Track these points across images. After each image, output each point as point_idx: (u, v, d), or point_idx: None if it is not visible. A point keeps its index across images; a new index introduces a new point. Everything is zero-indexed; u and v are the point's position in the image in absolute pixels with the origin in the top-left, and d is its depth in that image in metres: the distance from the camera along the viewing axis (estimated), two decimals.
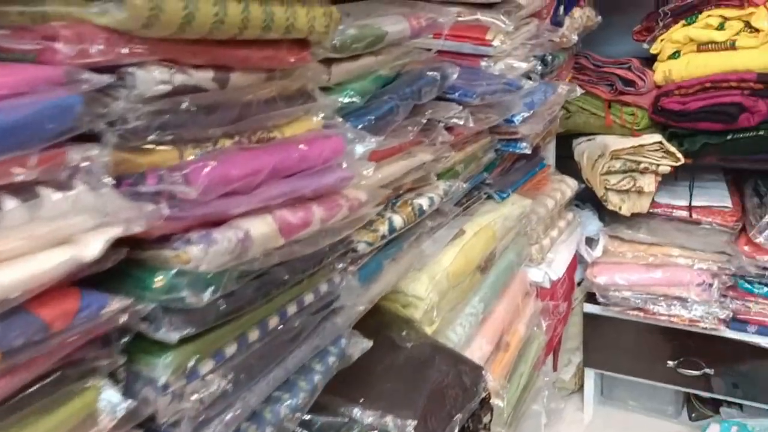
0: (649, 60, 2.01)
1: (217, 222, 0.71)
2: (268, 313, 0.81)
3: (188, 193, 0.64)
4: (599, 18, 1.96)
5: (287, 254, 0.78)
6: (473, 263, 1.47)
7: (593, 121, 2.10)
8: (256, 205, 0.74)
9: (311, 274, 0.88)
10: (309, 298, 0.88)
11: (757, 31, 1.82)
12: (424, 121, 1.12)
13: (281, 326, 0.83)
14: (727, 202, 2.06)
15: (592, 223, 2.20)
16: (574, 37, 1.78)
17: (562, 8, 1.69)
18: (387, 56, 1.13)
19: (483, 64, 1.49)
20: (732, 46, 1.85)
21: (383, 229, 1.04)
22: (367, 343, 0.99)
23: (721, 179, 2.19)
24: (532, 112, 1.50)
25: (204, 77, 0.72)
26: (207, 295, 0.65)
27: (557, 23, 1.70)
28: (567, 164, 2.22)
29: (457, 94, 1.24)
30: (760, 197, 2.04)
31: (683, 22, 1.91)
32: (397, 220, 1.08)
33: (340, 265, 0.95)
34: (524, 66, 1.52)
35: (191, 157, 0.70)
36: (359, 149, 0.91)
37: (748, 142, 1.89)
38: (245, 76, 0.77)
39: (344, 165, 0.88)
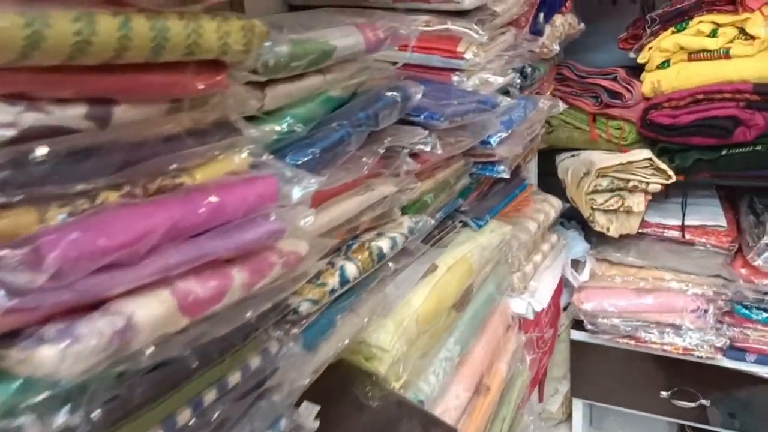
0: (637, 69, 1.85)
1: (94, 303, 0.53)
2: (175, 407, 0.64)
3: (31, 281, 0.46)
4: (582, 25, 1.81)
5: (195, 338, 0.61)
6: (447, 302, 1.30)
7: (577, 135, 1.94)
8: (147, 278, 0.56)
9: (236, 351, 0.70)
10: (234, 379, 0.71)
11: (753, 38, 1.66)
12: (382, 150, 0.95)
13: (194, 420, 0.65)
14: (722, 221, 1.90)
15: (577, 245, 2.03)
16: (556, 47, 1.62)
17: (542, 16, 1.53)
18: (338, 74, 0.95)
19: (455, 78, 1.32)
20: (726, 55, 1.70)
21: (333, 282, 0.87)
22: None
23: (714, 195, 2.04)
24: (510, 131, 1.34)
25: (73, 114, 0.54)
26: (60, 419, 0.47)
27: (537, 32, 1.54)
28: (550, 182, 2.05)
29: (422, 116, 1.07)
30: (756, 215, 1.88)
31: (672, 29, 1.75)
32: (351, 270, 0.90)
33: (278, 333, 0.77)
34: (501, 80, 1.36)
35: (56, 221, 0.53)
36: (296, 192, 0.74)
37: (744, 158, 1.74)
38: (136, 109, 0.59)
39: (276, 215, 0.71)
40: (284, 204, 0.74)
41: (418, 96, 1.01)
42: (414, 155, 1.08)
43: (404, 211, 1.11)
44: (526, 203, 1.82)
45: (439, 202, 1.25)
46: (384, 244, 0.98)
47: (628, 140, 1.86)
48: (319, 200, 0.87)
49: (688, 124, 1.74)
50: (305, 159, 0.81)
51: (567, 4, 1.71)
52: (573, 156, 1.95)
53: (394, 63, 1.34)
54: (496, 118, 1.29)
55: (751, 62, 1.67)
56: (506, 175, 1.35)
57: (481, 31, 1.28)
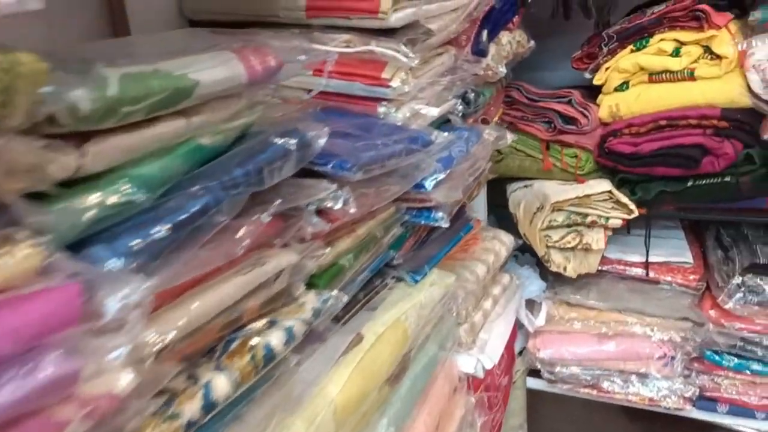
0: (594, 90, 1.65)
1: None
2: None
3: None
4: (532, 43, 1.60)
5: None
6: (377, 380, 1.06)
7: (529, 164, 1.73)
8: None
9: None
10: None
11: (719, 57, 1.47)
12: (269, 217, 0.71)
13: None
14: (687, 257, 1.71)
15: (533, 283, 1.82)
16: (502, 69, 1.40)
17: (485, 34, 1.31)
18: (209, 116, 0.71)
19: (381, 110, 1.08)
20: (690, 76, 1.51)
21: (192, 409, 0.61)
22: None
23: (679, 227, 1.85)
24: (448, 171, 1.11)
25: None
26: None
27: (480, 52, 1.31)
28: (501, 214, 1.84)
29: (330, 165, 0.83)
30: (724, 250, 1.70)
31: (631, 47, 1.55)
32: (221, 386, 0.65)
33: None
34: (436, 111, 1.13)
35: None
36: (113, 305, 0.49)
37: (712, 190, 1.55)
38: None
39: (68, 347, 0.46)
40: (95, 322, 0.49)
41: (322, 141, 0.77)
42: (323, 211, 0.84)
43: (313, 283, 0.86)
44: (474, 242, 1.59)
45: (363, 261, 1.01)
46: (275, 338, 0.73)
47: (584, 169, 1.65)
48: (172, 295, 0.62)
49: (650, 153, 1.54)
50: (144, 243, 0.56)
51: (514, 21, 1.49)
52: (525, 187, 1.74)
53: (309, 90, 1.10)
54: (431, 157, 1.06)
55: (718, 84, 1.48)
56: (445, 224, 1.12)
57: (410, 54, 1.04)
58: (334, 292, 0.84)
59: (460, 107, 1.32)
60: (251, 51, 0.75)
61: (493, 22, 1.35)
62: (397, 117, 1.07)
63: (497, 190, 1.82)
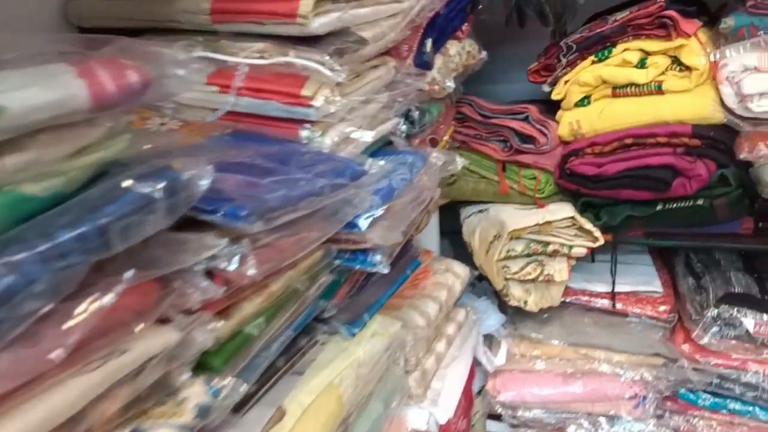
0: (553, 105, 1.48)
1: None
2: None
3: None
4: (484, 54, 1.42)
5: None
6: None
7: (484, 186, 1.55)
8: None
9: None
10: None
11: (689, 69, 1.32)
12: (114, 297, 0.50)
13: None
14: (656, 285, 1.56)
15: (491, 317, 1.64)
16: (450, 84, 1.21)
17: (429, 43, 1.13)
18: (39, 153, 0.50)
19: (303, 134, 0.89)
20: (658, 90, 1.35)
21: None
22: None
23: (645, 251, 1.70)
24: (388, 205, 0.91)
25: None
26: None
27: (424, 64, 1.13)
28: (455, 240, 1.66)
29: (220, 213, 0.62)
30: (696, 277, 1.55)
31: (592, 58, 1.39)
32: None
33: None
34: (370, 136, 0.94)
35: None
36: None
37: (684, 214, 1.39)
38: None
39: None
40: None
41: (204, 182, 0.57)
42: (214, 272, 0.64)
43: (207, 363, 0.66)
44: (424, 276, 1.40)
45: (281, 323, 0.80)
46: None
47: (544, 192, 1.48)
48: None
49: (616, 175, 1.38)
50: None
51: (463, 29, 1.32)
52: (480, 212, 1.56)
53: (214, 110, 0.90)
54: (366, 190, 0.87)
55: (688, 99, 1.33)
56: (384, 269, 0.92)
57: (337, 67, 0.85)
58: (228, 381, 0.63)
59: (404, 127, 1.13)
60: (101, 63, 0.54)
61: (438, 30, 1.17)
62: (323, 142, 0.88)
63: (450, 215, 1.64)
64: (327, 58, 0.86)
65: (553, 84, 1.45)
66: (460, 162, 1.13)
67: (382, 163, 0.89)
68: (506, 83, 1.78)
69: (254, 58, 0.89)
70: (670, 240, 1.48)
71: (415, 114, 1.14)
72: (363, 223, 0.87)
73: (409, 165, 1.05)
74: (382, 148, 1.12)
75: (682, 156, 1.33)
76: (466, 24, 1.33)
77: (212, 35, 0.94)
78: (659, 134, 1.35)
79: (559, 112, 1.46)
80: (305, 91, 0.86)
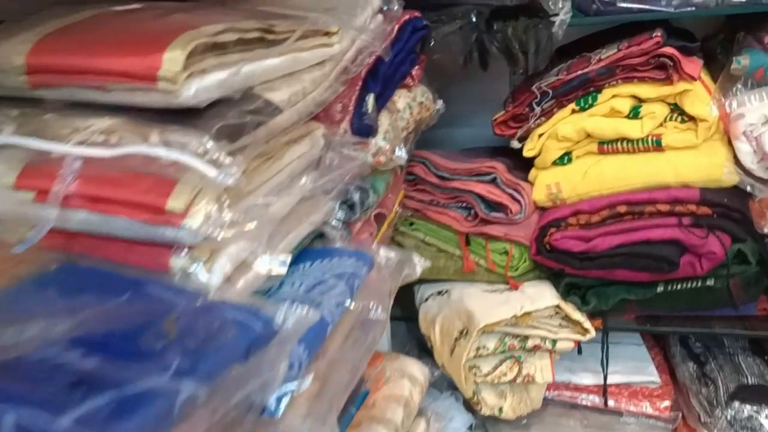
0: (528, 159, 1.18)
1: None
2: None
3: None
4: (440, 104, 1.11)
5: None
6: None
7: (444, 262, 1.23)
8: None
9: None
10: None
11: (693, 120, 1.05)
12: None
13: None
14: (652, 373, 1.27)
15: (455, 417, 1.31)
16: (401, 154, 0.89)
17: (371, 99, 0.81)
18: None
19: (175, 264, 0.55)
20: (657, 146, 1.07)
21: None
22: None
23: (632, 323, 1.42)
24: (310, 357, 0.58)
25: None
26: None
27: (364, 129, 0.81)
28: (412, 329, 1.34)
29: None
30: (697, 361, 1.27)
31: (573, 106, 1.10)
32: None
33: None
34: (282, 264, 0.60)
35: None
36: None
37: (691, 296, 1.12)
38: None
39: None
40: None
41: None
42: None
43: None
44: (374, 387, 1.08)
45: None
46: None
47: (518, 270, 1.18)
48: None
49: (608, 252, 1.09)
50: None
51: (414, 73, 1.00)
52: (440, 294, 1.24)
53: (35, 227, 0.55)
54: (281, 347, 0.53)
55: (694, 157, 1.05)
56: None
57: (224, 159, 0.52)
58: None
59: (340, 214, 0.81)
60: None
61: (382, 80, 0.85)
62: (208, 280, 0.54)
63: (404, 295, 1.31)
64: (210, 144, 0.53)
65: (525, 137, 1.15)
66: (420, 265, 0.80)
67: (299, 310, 0.55)
68: (465, 126, 1.48)
69: (93, 145, 0.54)
70: (671, 326, 1.20)
71: (355, 196, 0.82)
72: (278, 406, 0.54)
73: (347, 279, 0.72)
74: (312, 241, 0.79)
75: (690, 228, 1.05)
76: (416, 68, 1.01)
77: (33, 106, 0.59)
78: (659, 200, 1.07)
79: (533, 171, 1.17)
80: (173, 203, 0.52)
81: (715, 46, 1.23)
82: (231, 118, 0.57)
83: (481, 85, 1.45)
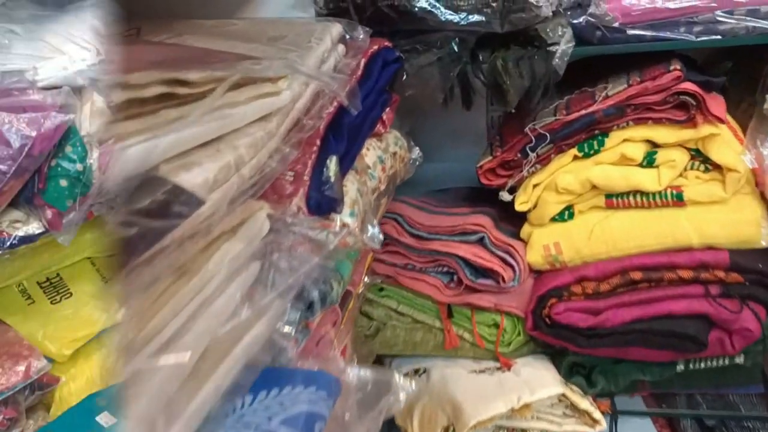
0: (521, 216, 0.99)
1: None
2: None
3: None
4: (418, 152, 0.92)
5: None
6: None
7: (422, 336, 1.02)
8: None
9: None
10: None
11: (719, 168, 0.87)
12: None
13: None
14: None
15: None
16: (375, 231, 0.68)
17: (333, 162, 0.59)
18: None
19: None
20: (677, 200, 0.89)
21: None
22: None
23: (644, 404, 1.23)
24: None
25: None
26: None
27: (326, 203, 0.59)
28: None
29: None
30: None
31: (575, 152, 0.91)
32: None
33: None
34: None
35: None
36: None
37: (714, 375, 0.94)
38: None
39: None
40: None
41: None
42: None
43: None
44: None
45: None
46: None
47: (511, 345, 0.98)
48: None
49: (622, 328, 0.90)
50: None
51: (385, 117, 0.80)
52: (418, 373, 1.03)
53: None
54: None
55: (721, 213, 0.88)
56: None
57: None
58: None
59: (294, 316, 0.60)
60: None
61: (347, 135, 0.64)
62: None
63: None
64: None
65: (516, 187, 0.96)
66: (404, 392, 0.59)
67: None
68: (437, 162, 1.27)
69: None
70: (688, 407, 1.02)
71: (314, 294, 0.61)
72: None
73: (302, 425, 0.50)
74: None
75: (719, 300, 0.87)
76: (388, 109, 0.81)
77: None
78: (681, 265, 0.88)
79: (527, 228, 0.97)
80: None
81: (719, 74, 1.06)
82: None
83: (454, 115, 1.26)
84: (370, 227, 0.66)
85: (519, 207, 0.95)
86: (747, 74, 1.02)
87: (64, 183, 0.50)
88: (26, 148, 0.47)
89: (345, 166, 0.64)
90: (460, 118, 1.25)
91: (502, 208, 1.00)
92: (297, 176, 0.57)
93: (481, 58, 0.88)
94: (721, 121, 0.84)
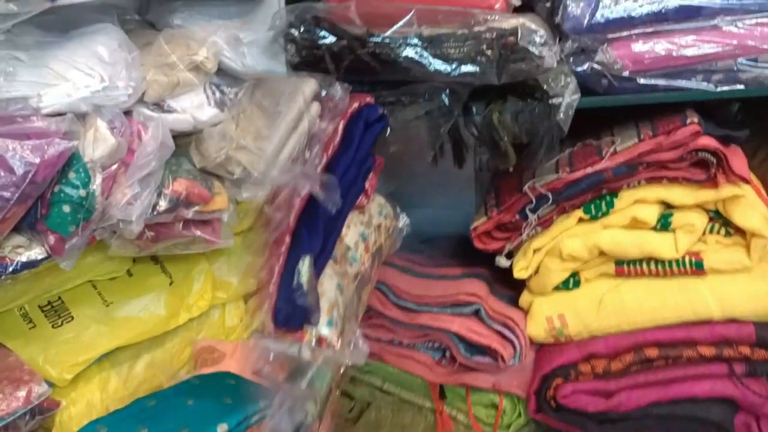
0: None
1: None
2: None
3: None
4: (405, 220, 0.81)
5: None
6: None
7: (411, 418, 0.91)
8: None
9: None
10: None
11: (741, 233, 0.78)
12: None
13: None
14: None
15: None
16: (360, 345, 0.56)
17: (305, 265, 0.48)
18: None
19: None
20: (696, 269, 0.79)
21: None
22: None
23: None
24: None
25: None
26: None
27: (297, 314, 0.48)
28: None
29: None
30: None
31: (580, 213, 0.81)
32: None
33: None
34: None
35: None
36: None
37: None
38: None
39: None
40: None
41: None
42: None
43: None
44: None
45: None
46: None
47: (511, 428, 0.87)
48: None
49: (637, 413, 0.80)
50: None
51: (368, 186, 0.69)
52: None
53: None
54: None
55: (744, 283, 0.78)
56: None
57: None
58: None
59: None
60: None
61: (323, 226, 0.53)
62: None
63: None
64: None
65: (514, 251, 0.85)
66: None
67: None
68: (420, 208, 1.16)
69: None
70: None
71: (283, 424, 0.49)
72: None
73: None
74: None
75: (746, 381, 0.77)
76: (371, 175, 0.70)
77: None
78: (701, 341, 0.79)
79: (527, 296, 0.87)
80: None
81: (725, 117, 0.97)
82: None
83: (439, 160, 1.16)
84: (353, 341, 0.55)
85: (518, 274, 0.84)
86: (757, 116, 0.92)
87: (66, 209, 0.51)
88: (30, 175, 0.47)
89: (320, 264, 0.52)
90: (443, 161, 1.15)
91: (496, 265, 0.90)
92: (262, 286, 0.46)
93: (474, 110, 0.78)
94: (746, 181, 0.75)
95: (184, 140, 0.64)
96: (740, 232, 0.78)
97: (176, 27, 0.73)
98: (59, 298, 0.66)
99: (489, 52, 0.73)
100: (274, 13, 0.74)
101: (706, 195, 0.77)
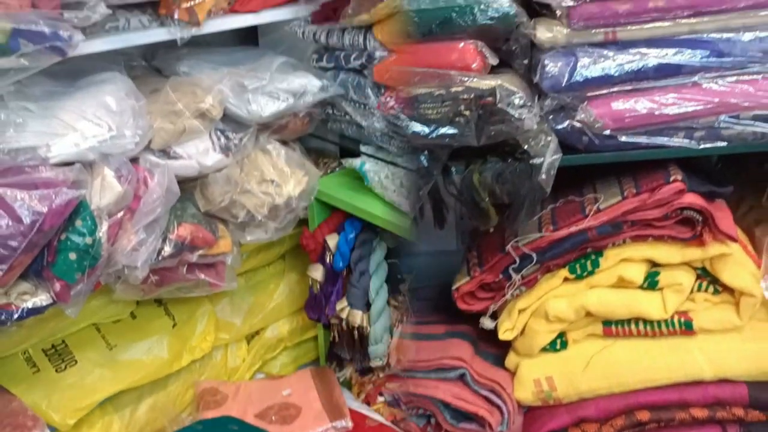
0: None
1: None
2: None
3: None
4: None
5: None
6: None
7: None
8: None
9: None
10: None
11: (730, 291, 0.76)
12: None
13: None
14: None
15: None
16: None
17: None
18: None
19: None
20: (685, 329, 0.77)
21: None
22: None
23: None
24: None
25: None
26: None
27: None
28: None
29: None
30: None
31: (565, 272, 0.79)
32: None
33: None
34: None
35: None
36: None
37: None
38: None
39: None
40: None
41: None
42: None
43: None
44: None
45: None
46: None
47: None
48: None
49: None
50: None
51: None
52: None
53: None
54: None
55: (735, 342, 0.76)
56: None
57: None
58: None
59: None
60: None
61: None
62: None
63: None
64: None
65: (498, 312, 0.82)
66: None
67: None
68: (405, 254, 1.14)
69: None
70: None
71: None
72: None
73: None
74: None
75: None
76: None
77: None
78: (693, 403, 0.76)
79: (513, 358, 0.84)
80: None
81: (705, 168, 0.95)
82: None
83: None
84: None
85: (503, 336, 0.81)
86: (739, 167, 0.91)
87: (73, 256, 0.51)
88: (37, 224, 0.48)
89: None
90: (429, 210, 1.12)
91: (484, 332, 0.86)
92: None
93: (454, 171, 0.75)
94: (733, 239, 0.73)
95: (189, 184, 0.65)
96: (729, 289, 0.76)
97: (183, 74, 0.74)
98: (63, 341, 0.67)
99: (467, 113, 0.71)
100: None
101: (693, 253, 0.75)
